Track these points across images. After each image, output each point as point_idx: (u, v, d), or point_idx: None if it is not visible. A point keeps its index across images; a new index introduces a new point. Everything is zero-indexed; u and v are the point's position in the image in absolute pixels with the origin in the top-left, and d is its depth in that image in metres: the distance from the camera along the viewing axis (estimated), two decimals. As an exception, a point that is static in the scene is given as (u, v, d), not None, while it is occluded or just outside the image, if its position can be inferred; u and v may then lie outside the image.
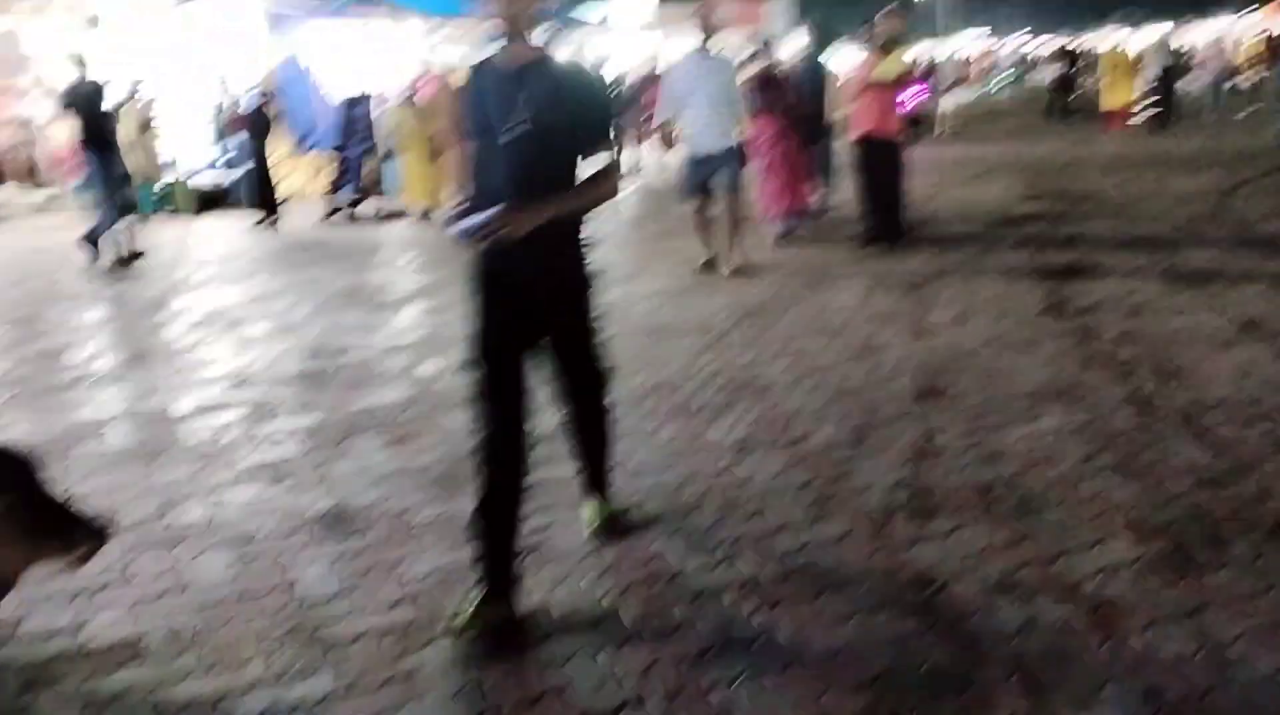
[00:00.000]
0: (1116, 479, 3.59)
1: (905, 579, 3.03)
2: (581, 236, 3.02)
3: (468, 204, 2.85)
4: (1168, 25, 21.35)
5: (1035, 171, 12.84)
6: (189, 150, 13.63)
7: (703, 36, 7.31)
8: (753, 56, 8.84)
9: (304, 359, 5.84)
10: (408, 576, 3.15)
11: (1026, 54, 43.13)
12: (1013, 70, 40.89)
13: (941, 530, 3.30)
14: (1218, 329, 5.33)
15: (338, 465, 4.12)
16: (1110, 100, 18.64)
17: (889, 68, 8.07)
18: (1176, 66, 18.85)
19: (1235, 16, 41.61)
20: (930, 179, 12.56)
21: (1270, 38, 19.51)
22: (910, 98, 14.61)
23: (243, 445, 4.41)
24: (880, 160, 8.21)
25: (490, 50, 2.91)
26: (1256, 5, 40.08)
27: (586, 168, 2.89)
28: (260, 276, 8.69)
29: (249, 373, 5.59)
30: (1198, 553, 3.04)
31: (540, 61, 2.85)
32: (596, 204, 2.97)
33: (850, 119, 8.39)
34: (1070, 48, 21.53)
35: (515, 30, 2.80)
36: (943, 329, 5.73)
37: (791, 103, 8.74)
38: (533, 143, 2.78)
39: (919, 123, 15.56)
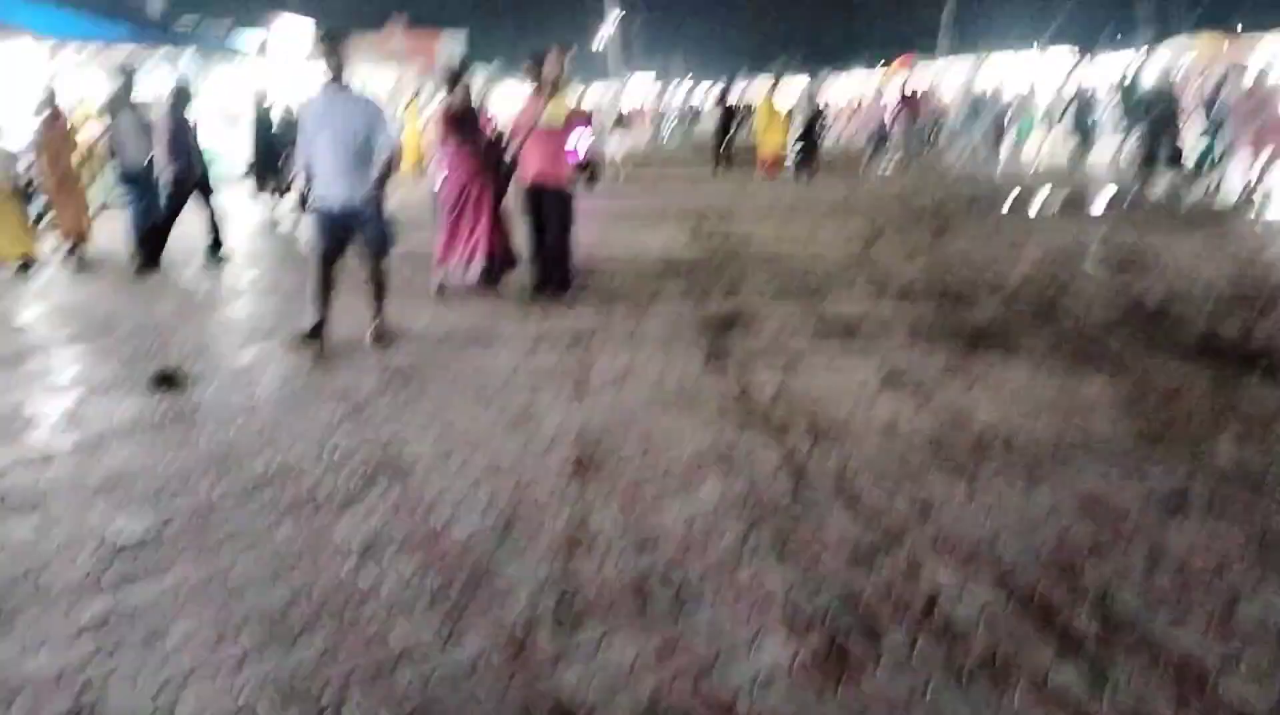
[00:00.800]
0: (771, 560, 3.38)
1: (545, 712, 2.59)
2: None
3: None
4: (808, 78, 23.26)
5: (700, 217, 13.20)
6: None
7: (331, 70, 6.28)
8: (450, 89, 8.21)
9: None
10: None
11: (694, 104, 45.52)
12: (681, 120, 43.04)
13: (590, 641, 2.90)
14: (864, 381, 5.42)
15: None
16: (764, 149, 19.76)
17: (557, 113, 7.82)
18: (818, 118, 20.34)
19: (868, 71, 46.18)
20: (600, 226, 12.59)
21: (905, 94, 21.49)
22: (581, 142, 14.71)
23: None
24: (550, 208, 7.93)
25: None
26: (884, 61, 44.89)
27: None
28: None
29: None
30: (853, 646, 2.84)
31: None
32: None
33: (519, 164, 8.03)
34: (730, 99, 22.63)
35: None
36: (606, 389, 5.44)
37: (489, 142, 8.19)
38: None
39: (589, 168, 15.65)
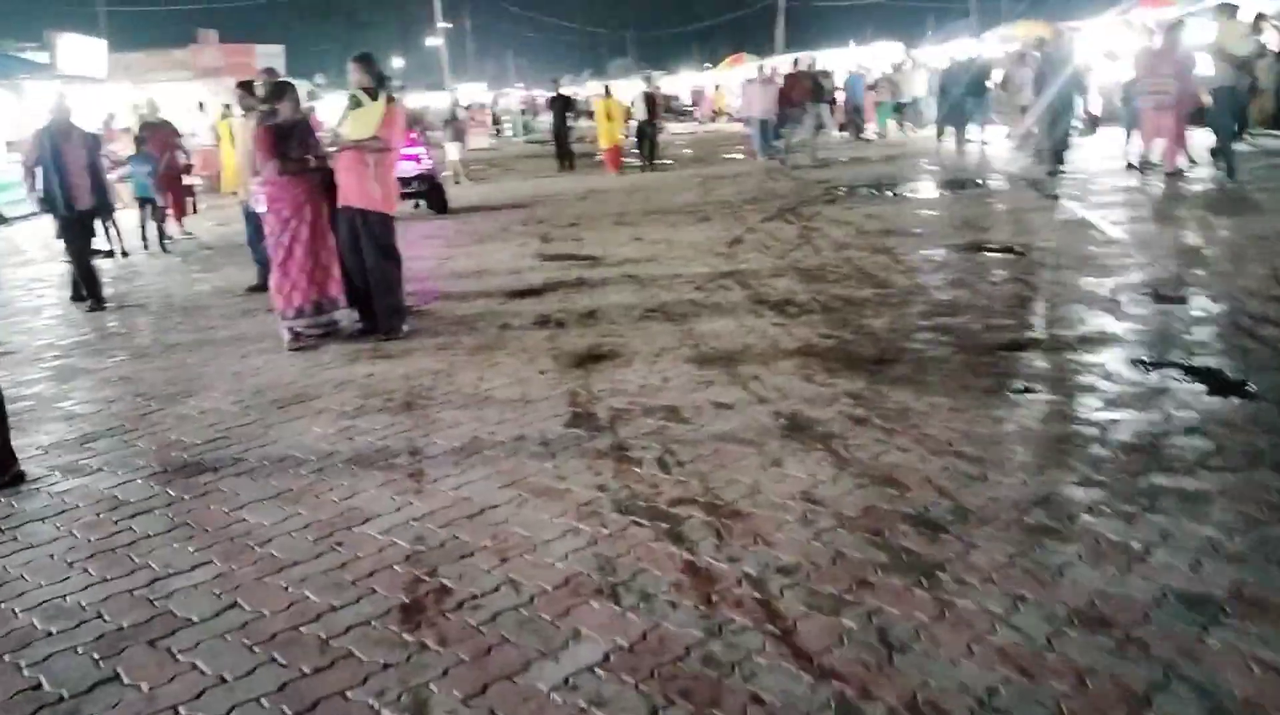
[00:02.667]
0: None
1: None
2: None
3: None
4: (643, 79, 22.67)
5: (549, 225, 12.12)
6: None
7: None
8: (270, 101, 6.90)
9: None
10: None
11: (533, 96, 44.45)
12: (521, 115, 41.83)
13: None
14: (763, 435, 4.44)
15: None
16: (605, 139, 19.30)
17: (360, 126, 6.59)
18: (654, 114, 19.97)
19: (699, 70, 46.60)
20: (438, 243, 11.36)
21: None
22: (403, 160, 13.34)
23: None
24: (366, 236, 6.70)
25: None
26: (709, 65, 45.34)
27: None
28: None
29: None
30: None
31: None
32: None
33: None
34: (563, 90, 21.72)
35: None
36: (446, 468, 4.30)
37: (320, 157, 6.84)
38: None
39: (431, 191, 14.27)
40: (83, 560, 3.67)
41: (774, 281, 7.82)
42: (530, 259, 9.81)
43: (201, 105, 21.98)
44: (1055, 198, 11.25)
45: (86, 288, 8.71)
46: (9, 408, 4.67)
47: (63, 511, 4.16)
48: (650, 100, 19.77)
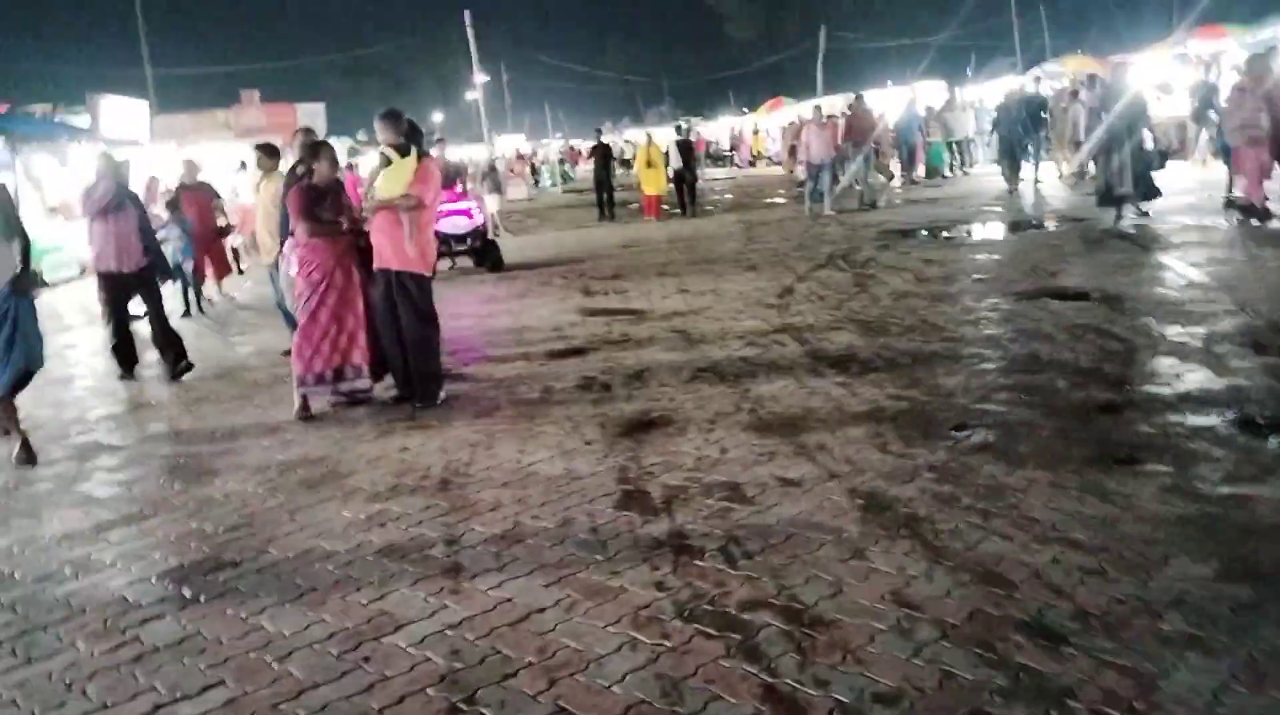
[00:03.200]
0: None
1: None
2: None
3: None
4: (676, 129, 22.61)
5: (591, 277, 11.77)
6: None
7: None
8: (307, 161, 6.63)
9: None
10: None
11: (573, 144, 44.63)
12: (560, 164, 41.93)
13: None
14: (839, 517, 3.97)
15: None
16: (647, 188, 19.73)
17: (392, 184, 6.27)
18: (690, 161, 20.02)
19: (737, 114, 46.49)
20: (480, 298, 11.04)
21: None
22: (453, 215, 12.99)
23: None
24: (402, 299, 6.35)
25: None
26: (746, 110, 45.30)
27: None
28: None
29: None
30: None
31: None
32: None
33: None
34: (606, 141, 21.68)
35: None
36: (486, 563, 3.87)
37: (355, 220, 6.53)
38: None
39: (486, 250, 13.74)
40: (83, 680, 3.26)
41: (832, 335, 7.36)
42: (572, 314, 9.43)
43: (244, 164, 22.13)
44: (1124, 238, 10.69)
45: (121, 355, 8.41)
46: (25, 490, 4.32)
47: (68, 618, 3.77)
48: (685, 148, 19.71)
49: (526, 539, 4.06)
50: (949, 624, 3.06)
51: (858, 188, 17.62)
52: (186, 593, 3.88)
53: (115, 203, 8.18)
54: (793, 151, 23.25)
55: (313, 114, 25.19)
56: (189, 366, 8.22)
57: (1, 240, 5.80)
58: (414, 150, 6.39)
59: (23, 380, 5.97)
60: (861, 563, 3.53)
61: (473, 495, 4.67)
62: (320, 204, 6.45)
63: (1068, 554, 3.45)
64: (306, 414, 6.41)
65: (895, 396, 5.60)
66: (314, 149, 6.73)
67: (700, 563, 3.66)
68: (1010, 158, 17.29)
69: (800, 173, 19.87)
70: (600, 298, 10.27)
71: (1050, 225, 12.80)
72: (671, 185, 19.82)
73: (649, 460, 4.92)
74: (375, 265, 6.40)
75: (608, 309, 9.52)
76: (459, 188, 13.85)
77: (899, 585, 3.34)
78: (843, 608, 3.21)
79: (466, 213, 13.36)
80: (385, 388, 6.71)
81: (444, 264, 12.63)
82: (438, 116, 58.65)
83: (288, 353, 8.41)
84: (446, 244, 12.61)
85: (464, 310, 10.10)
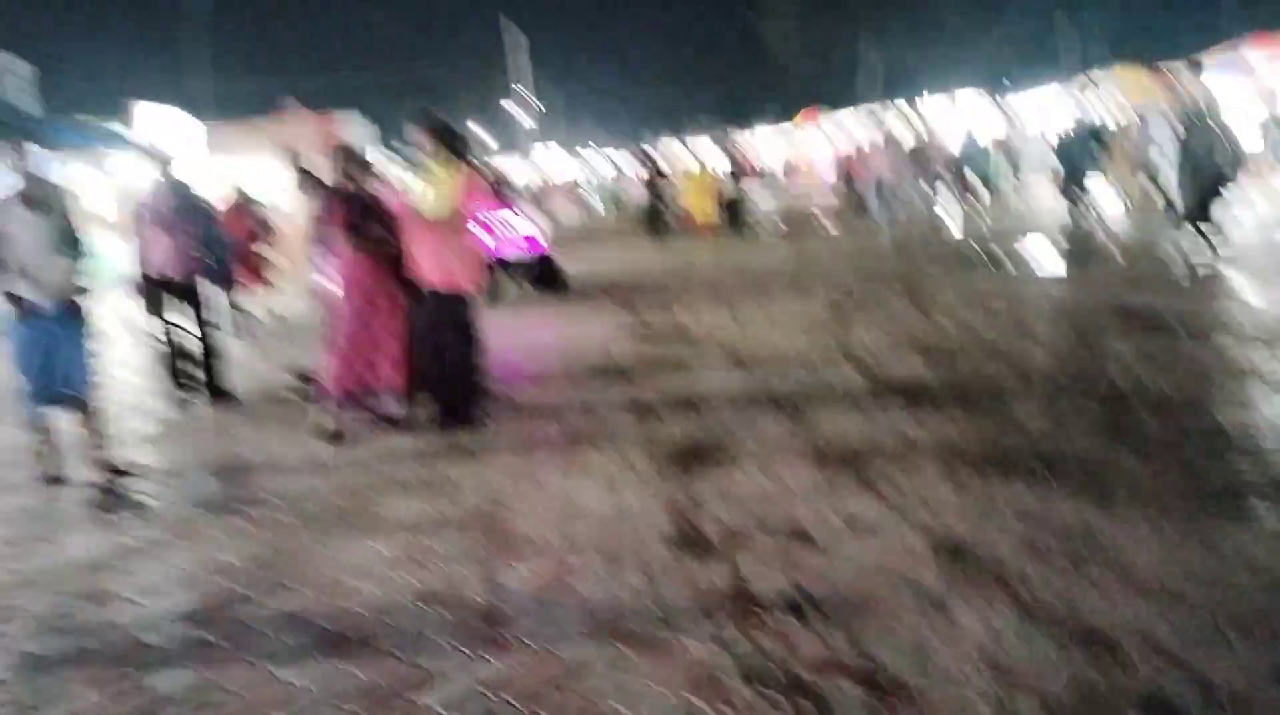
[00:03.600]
0: None
1: None
2: None
3: None
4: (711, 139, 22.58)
5: (641, 299, 11.45)
6: None
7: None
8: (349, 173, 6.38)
9: None
10: None
11: (619, 169, 44.25)
12: (607, 185, 41.57)
13: None
14: (919, 561, 3.61)
15: None
16: (698, 214, 20.00)
17: (436, 199, 6.02)
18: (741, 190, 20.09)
19: (775, 127, 45.20)
20: (528, 319, 10.78)
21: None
22: (503, 235, 12.64)
23: None
24: (445, 319, 6.09)
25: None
26: (788, 123, 44.46)
27: None
28: None
29: None
30: None
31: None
32: None
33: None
34: (654, 168, 21.34)
35: None
36: (528, 610, 3.55)
37: (379, 237, 6.19)
38: None
39: (550, 271, 13.25)
40: (87, 735, 2.99)
41: (893, 362, 6.98)
42: (622, 337, 9.13)
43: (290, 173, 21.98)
44: (1200, 263, 10.18)
45: (173, 370, 8.17)
46: (52, 510, 4.09)
47: (78, 660, 3.51)
48: (737, 179, 20.02)
49: (572, 584, 3.74)
50: (1051, 695, 2.68)
51: (910, 214, 17.16)
52: (206, 634, 3.61)
53: (179, 209, 7.97)
54: (849, 179, 22.64)
55: (359, 124, 25.02)
56: (229, 393, 8.01)
57: (58, 254, 5.51)
58: (458, 163, 6.14)
59: (61, 400, 5.69)
60: (946, 619, 3.17)
61: (514, 530, 4.36)
62: (361, 218, 6.22)
63: (1180, 614, 3.06)
64: (336, 434, 6.15)
65: (967, 430, 5.21)
66: (357, 163, 6.52)
67: (764, 616, 3.32)
68: (1073, 190, 16.42)
69: (866, 197, 19.32)
70: (650, 319, 9.96)
71: (1119, 253, 12.28)
72: (724, 211, 19.85)
73: (703, 494, 4.58)
74: (417, 282, 6.14)
75: (658, 331, 9.20)
76: (510, 203, 13.41)
77: (989, 646, 2.97)
78: (928, 674, 2.85)
79: (531, 240, 12.94)
80: (427, 414, 6.45)
81: (510, 289, 12.42)
82: (475, 128, 58.71)
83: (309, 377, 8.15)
84: (508, 268, 12.37)
85: (510, 330, 9.84)
